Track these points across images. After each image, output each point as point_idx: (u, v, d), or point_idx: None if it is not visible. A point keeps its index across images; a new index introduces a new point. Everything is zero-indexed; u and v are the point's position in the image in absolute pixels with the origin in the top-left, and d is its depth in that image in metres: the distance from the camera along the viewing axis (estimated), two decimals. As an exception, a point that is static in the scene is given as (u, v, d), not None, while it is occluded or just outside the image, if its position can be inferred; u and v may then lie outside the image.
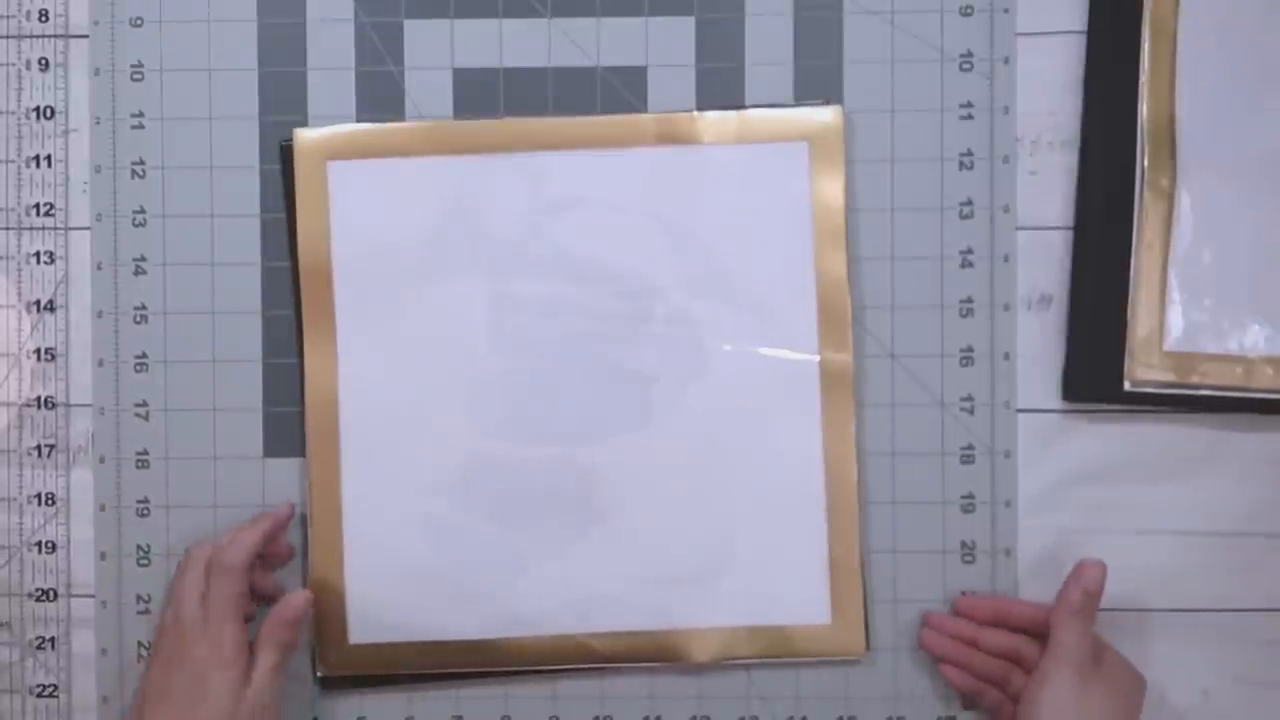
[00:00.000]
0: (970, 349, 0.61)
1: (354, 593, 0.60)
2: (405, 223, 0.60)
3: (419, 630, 0.60)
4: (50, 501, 0.62)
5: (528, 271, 0.60)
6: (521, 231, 0.60)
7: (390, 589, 0.60)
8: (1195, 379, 0.59)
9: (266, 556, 0.59)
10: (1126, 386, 0.60)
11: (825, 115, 0.60)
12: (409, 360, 0.60)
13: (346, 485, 0.60)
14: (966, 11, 0.60)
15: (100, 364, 0.61)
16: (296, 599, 0.57)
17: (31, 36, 0.61)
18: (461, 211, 0.60)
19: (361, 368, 0.60)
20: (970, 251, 0.61)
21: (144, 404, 0.61)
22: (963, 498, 0.61)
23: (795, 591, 0.60)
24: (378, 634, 0.60)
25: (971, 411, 0.61)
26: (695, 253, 0.60)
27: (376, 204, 0.60)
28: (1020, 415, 0.61)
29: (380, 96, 0.61)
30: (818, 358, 0.60)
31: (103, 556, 0.61)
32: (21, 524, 0.62)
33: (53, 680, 0.62)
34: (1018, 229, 0.61)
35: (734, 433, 0.60)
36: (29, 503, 0.62)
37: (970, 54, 0.61)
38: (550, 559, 0.60)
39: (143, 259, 0.61)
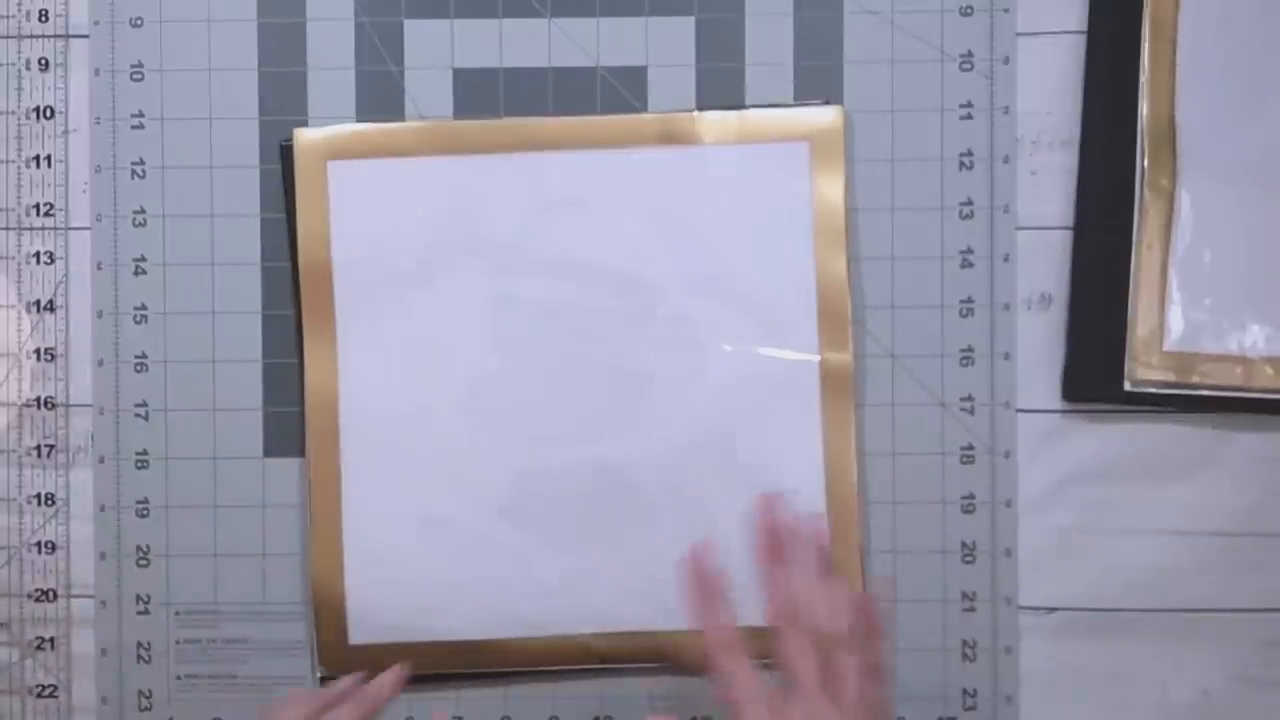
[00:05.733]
0: (970, 349, 0.61)
1: (354, 593, 0.60)
2: (405, 223, 0.60)
3: (419, 630, 0.60)
4: (50, 502, 0.62)
5: (528, 271, 0.60)
6: (521, 231, 0.60)
7: (390, 589, 0.60)
8: (1195, 379, 0.59)
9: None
10: (1126, 386, 0.60)
11: (826, 115, 0.60)
12: (409, 360, 0.60)
13: (346, 485, 0.60)
14: (966, 11, 0.60)
15: (100, 364, 0.61)
16: (389, 678, 0.55)
17: (31, 36, 0.61)
18: (461, 212, 0.60)
19: (361, 367, 0.60)
20: (970, 251, 0.61)
21: (144, 404, 0.61)
22: (963, 498, 0.61)
23: None
24: (378, 634, 0.60)
25: (971, 411, 0.61)
26: (695, 253, 0.60)
27: (376, 204, 0.60)
28: (1020, 415, 0.61)
29: (380, 96, 0.61)
30: (818, 358, 0.60)
31: (103, 556, 0.61)
32: (21, 524, 0.62)
33: (53, 680, 0.62)
34: (1018, 229, 0.61)
35: (734, 433, 0.60)
36: (29, 503, 0.62)
37: (970, 54, 0.61)
38: (550, 559, 0.60)
39: (143, 259, 0.61)
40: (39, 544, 0.62)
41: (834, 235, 0.60)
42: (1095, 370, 0.60)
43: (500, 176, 0.60)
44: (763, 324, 0.60)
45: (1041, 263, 0.61)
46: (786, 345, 0.60)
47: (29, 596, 0.62)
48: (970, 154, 0.61)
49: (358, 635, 0.60)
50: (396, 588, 0.60)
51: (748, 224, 0.60)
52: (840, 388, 0.60)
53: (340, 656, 0.60)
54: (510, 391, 0.60)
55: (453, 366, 0.60)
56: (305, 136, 0.60)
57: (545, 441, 0.60)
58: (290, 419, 0.61)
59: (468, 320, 0.60)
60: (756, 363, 0.60)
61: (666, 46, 0.61)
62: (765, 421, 0.60)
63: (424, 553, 0.60)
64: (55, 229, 0.62)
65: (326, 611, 0.60)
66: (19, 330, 0.62)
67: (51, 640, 0.62)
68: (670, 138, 0.60)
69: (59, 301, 0.62)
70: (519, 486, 0.60)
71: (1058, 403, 0.61)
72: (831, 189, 0.60)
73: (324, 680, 0.61)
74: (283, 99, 0.61)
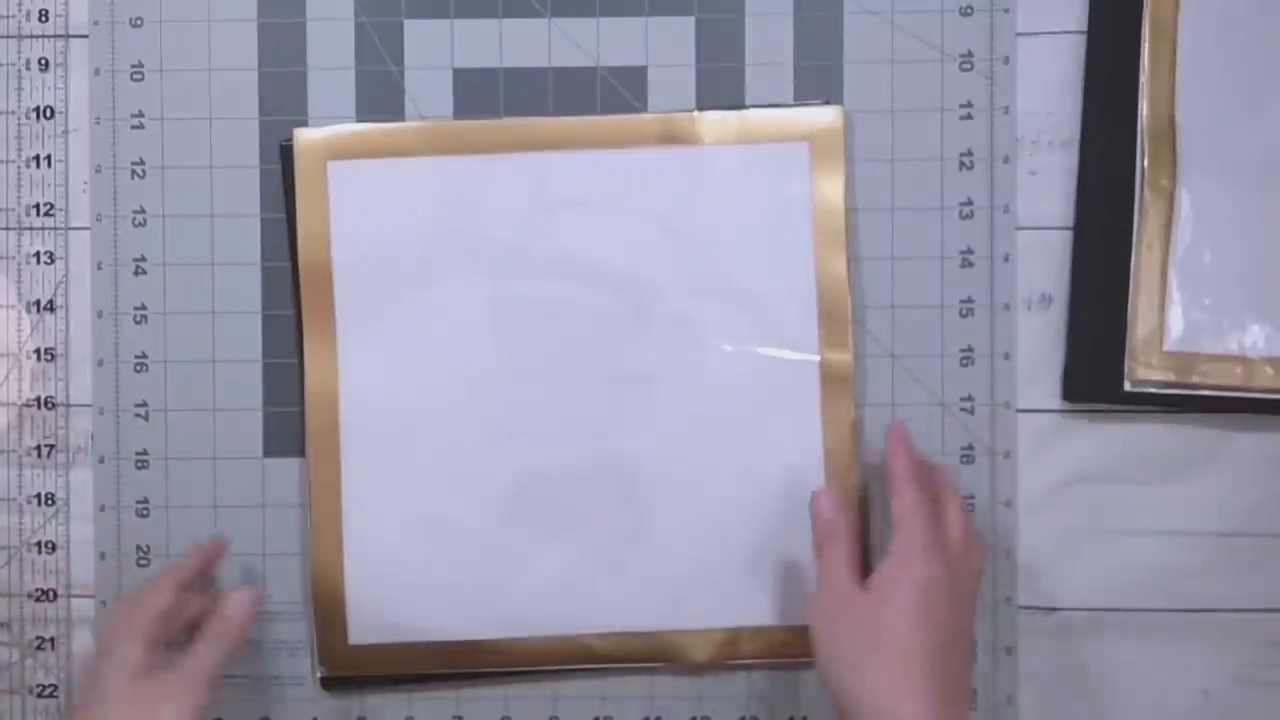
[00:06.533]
0: (970, 349, 0.61)
1: (354, 593, 0.60)
2: (405, 223, 0.60)
3: (419, 630, 0.60)
4: (50, 501, 0.62)
5: (528, 271, 0.60)
6: (521, 231, 0.60)
7: (390, 589, 0.60)
8: (1195, 379, 0.59)
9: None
10: (1126, 387, 0.60)
11: (826, 115, 0.60)
12: (409, 360, 0.60)
13: (346, 485, 0.60)
14: (966, 11, 0.60)
15: (100, 364, 0.61)
16: (241, 598, 0.56)
17: (31, 36, 0.61)
18: (461, 212, 0.60)
19: (361, 367, 0.60)
20: (970, 251, 0.61)
21: (144, 404, 0.61)
22: (963, 497, 0.61)
23: (794, 593, 0.60)
24: (378, 634, 0.60)
25: (971, 411, 0.61)
26: (695, 253, 0.60)
27: (376, 204, 0.60)
28: (1020, 415, 0.61)
29: (380, 96, 0.61)
30: (818, 358, 0.60)
31: (103, 556, 0.61)
32: (21, 524, 0.62)
33: (53, 680, 0.62)
34: (1018, 229, 0.61)
35: (734, 433, 0.60)
36: (29, 503, 0.62)
37: (970, 54, 0.61)
38: (551, 559, 0.60)
39: (143, 259, 0.61)
40: (39, 544, 0.62)
41: (834, 235, 0.60)
42: (1095, 370, 0.60)
43: (500, 176, 0.60)
44: (763, 323, 0.60)
45: (1041, 263, 0.61)
46: (786, 345, 0.60)
47: (29, 596, 0.62)
48: (970, 154, 0.61)
49: (358, 635, 0.60)
50: (396, 587, 0.60)
51: (748, 224, 0.60)
52: (840, 387, 0.60)
53: (340, 656, 0.60)
54: (510, 391, 0.60)
55: (453, 366, 0.60)
56: (305, 136, 0.60)
57: (545, 441, 0.60)
58: (290, 419, 0.61)
59: (468, 320, 0.60)
60: (756, 362, 0.60)
61: (666, 46, 0.61)
62: (765, 421, 0.60)
63: (424, 552, 0.60)
64: (55, 229, 0.62)
65: (326, 611, 0.60)
66: (19, 330, 0.62)
67: (51, 640, 0.62)
68: (670, 138, 0.60)
69: (59, 301, 0.62)
70: (519, 486, 0.60)
71: (1058, 403, 0.61)
72: (831, 188, 0.60)
73: (324, 680, 0.61)
74: (283, 99, 0.61)
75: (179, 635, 0.56)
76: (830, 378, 0.60)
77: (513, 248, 0.60)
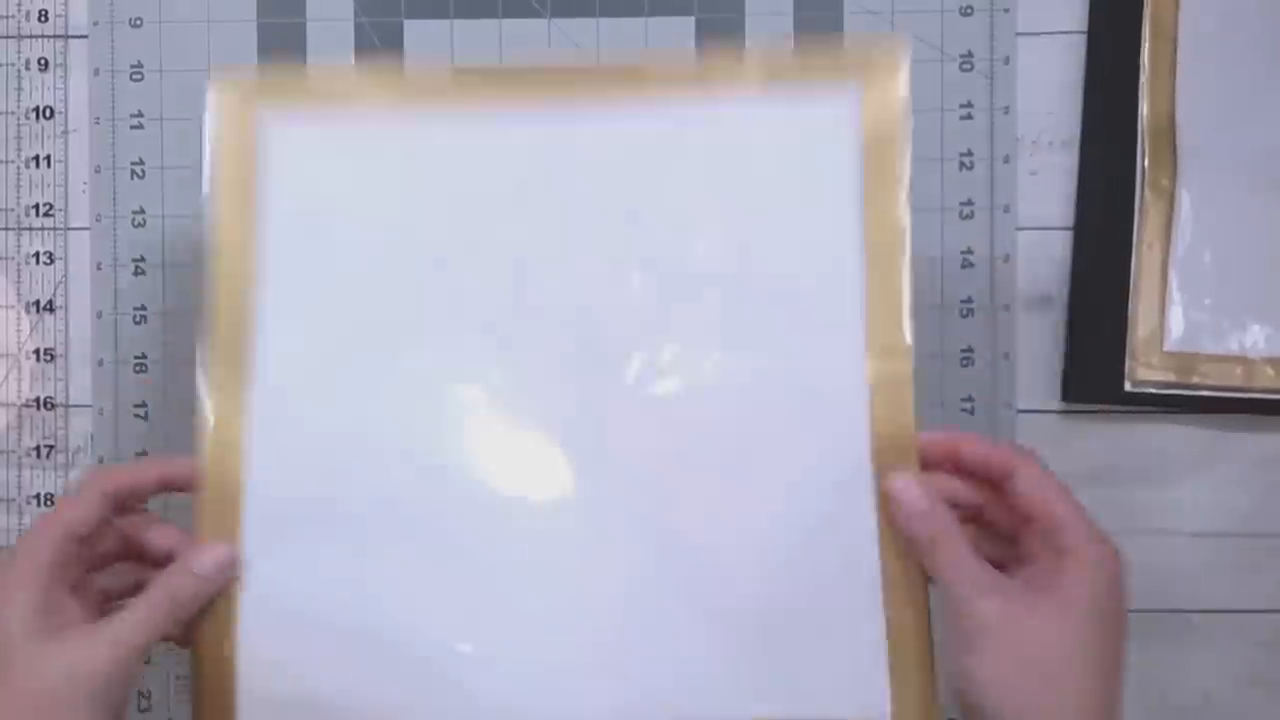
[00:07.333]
0: (970, 349, 0.61)
1: (247, 662, 0.47)
2: (351, 201, 0.49)
3: (331, 710, 0.47)
4: (50, 502, 0.62)
5: (488, 262, 0.49)
6: (484, 214, 0.49)
7: (294, 657, 0.47)
8: (1195, 379, 0.59)
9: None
10: (1127, 387, 0.60)
11: (884, 53, 0.47)
12: (338, 369, 0.49)
13: (248, 529, 0.48)
14: (966, 11, 0.61)
15: (100, 364, 0.61)
16: (220, 551, 0.43)
17: (31, 36, 0.61)
18: (416, 186, 0.49)
19: (283, 390, 0.49)
20: (970, 251, 0.61)
21: (144, 404, 0.61)
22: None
23: (843, 677, 0.46)
24: (276, 714, 0.47)
25: (971, 412, 0.61)
26: (706, 237, 0.48)
27: (319, 171, 0.49)
28: (1020, 415, 0.61)
29: (380, 96, 0.61)
30: (865, 364, 0.48)
31: (102, 557, 0.61)
32: (21, 525, 0.62)
33: (52, 681, 0.62)
34: (1018, 229, 0.61)
35: (759, 464, 0.47)
36: (28, 503, 0.62)
37: (970, 54, 0.61)
38: (520, 638, 0.47)
39: (143, 259, 0.61)
40: (39, 544, 0.62)
41: (889, 191, 0.47)
42: (1095, 370, 0.60)
43: (467, 137, 0.49)
44: (797, 322, 0.48)
45: (1041, 263, 0.61)
46: (825, 348, 0.48)
47: (29, 597, 0.62)
48: (970, 154, 0.61)
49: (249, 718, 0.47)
50: (302, 656, 0.47)
51: (778, 196, 0.48)
52: (896, 394, 0.48)
53: None
54: (468, 419, 0.48)
55: (401, 381, 0.49)
56: (225, 85, 0.49)
57: (509, 490, 0.48)
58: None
59: (416, 330, 0.49)
60: (786, 374, 0.48)
61: (666, 46, 0.61)
62: (800, 444, 0.48)
63: (343, 614, 0.47)
64: (55, 229, 0.62)
65: (209, 687, 0.46)
66: (19, 330, 0.62)
67: (51, 640, 0.62)
68: (674, 88, 0.49)
69: (59, 302, 0.62)
70: (473, 536, 0.47)
71: (1058, 403, 0.61)
72: (887, 150, 0.48)
73: None
74: (283, 99, 0.61)
75: (106, 580, 0.44)
76: (883, 387, 0.48)
77: (469, 235, 0.49)
